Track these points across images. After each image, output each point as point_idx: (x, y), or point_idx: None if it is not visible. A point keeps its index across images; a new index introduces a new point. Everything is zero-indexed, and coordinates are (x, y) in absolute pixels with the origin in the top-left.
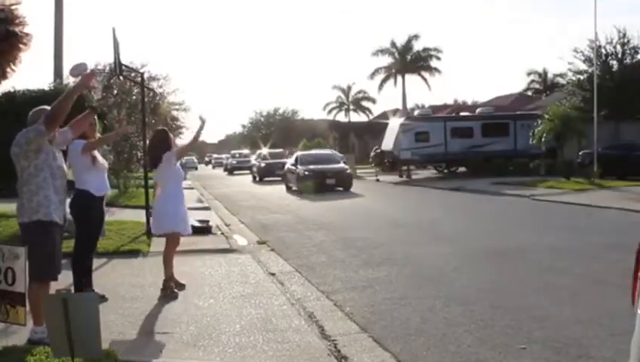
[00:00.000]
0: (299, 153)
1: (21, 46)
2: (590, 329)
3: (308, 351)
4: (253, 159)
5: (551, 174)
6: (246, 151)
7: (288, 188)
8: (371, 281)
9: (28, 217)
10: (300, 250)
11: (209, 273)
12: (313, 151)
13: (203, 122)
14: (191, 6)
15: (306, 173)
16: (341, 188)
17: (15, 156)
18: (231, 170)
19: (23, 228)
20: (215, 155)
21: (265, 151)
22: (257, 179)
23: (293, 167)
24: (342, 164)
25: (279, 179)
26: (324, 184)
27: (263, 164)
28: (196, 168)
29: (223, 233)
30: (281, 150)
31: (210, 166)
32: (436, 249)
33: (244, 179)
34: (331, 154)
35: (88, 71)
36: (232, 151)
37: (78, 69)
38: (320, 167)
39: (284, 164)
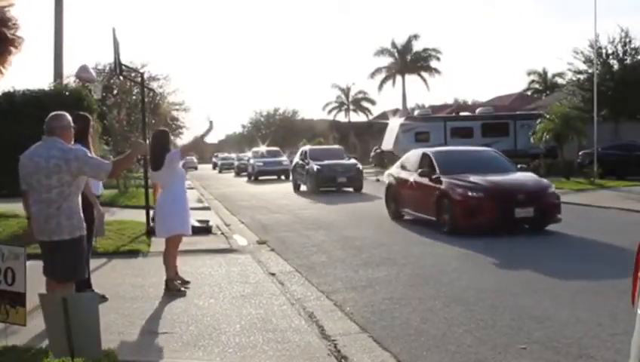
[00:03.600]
0: (428, 150)
1: (12, 49)
2: (590, 329)
3: (308, 351)
4: (291, 159)
5: (551, 174)
6: (263, 147)
7: (397, 217)
8: (371, 281)
9: (69, 234)
10: (299, 250)
11: (209, 273)
12: (457, 148)
13: (211, 125)
14: (191, 6)
15: (473, 193)
16: (527, 226)
17: (56, 167)
18: (255, 176)
19: (61, 245)
20: (223, 154)
21: (307, 147)
22: (308, 188)
23: (424, 179)
24: (536, 178)
25: (334, 189)
26: (511, 217)
27: (315, 168)
28: (196, 168)
29: (223, 233)
30: (337, 146)
31: (216, 169)
32: (436, 249)
33: (282, 189)
34: (496, 157)
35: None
36: (255, 149)
37: (82, 72)
38: (501, 179)
39: (348, 167)
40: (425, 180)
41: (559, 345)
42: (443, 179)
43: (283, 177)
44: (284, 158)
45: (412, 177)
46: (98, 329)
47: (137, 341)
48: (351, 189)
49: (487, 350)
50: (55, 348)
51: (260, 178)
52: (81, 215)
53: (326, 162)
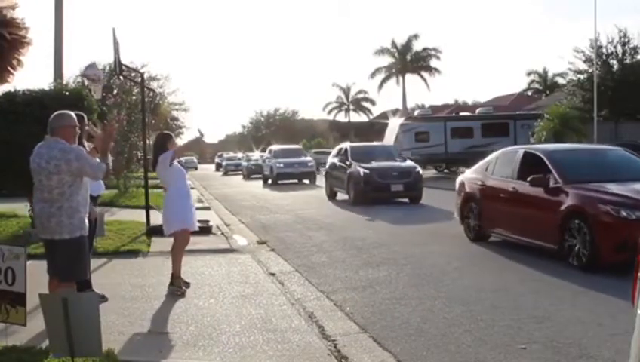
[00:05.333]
0: (533, 148)
1: (19, 50)
2: (590, 329)
3: (308, 351)
4: (322, 160)
5: None
6: (274, 146)
7: (480, 238)
8: (371, 281)
9: (69, 234)
10: (300, 250)
11: (209, 273)
12: (574, 146)
13: (201, 135)
14: (191, 6)
15: (628, 213)
16: None
17: (56, 168)
18: (275, 179)
19: (60, 244)
20: (228, 154)
21: (347, 145)
22: (352, 198)
23: (537, 190)
24: None
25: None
26: None
27: (362, 172)
28: (196, 168)
29: (223, 233)
30: (387, 143)
31: (221, 170)
32: (436, 249)
33: (311, 197)
34: (632, 158)
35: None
36: (272, 148)
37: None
38: None
39: (405, 171)
40: (538, 191)
41: (559, 345)
42: (569, 190)
43: (307, 181)
44: (308, 159)
45: (511, 186)
46: (98, 329)
47: (137, 341)
48: (406, 200)
49: (487, 350)
50: (55, 348)
51: (280, 182)
52: (83, 215)
53: (374, 164)
